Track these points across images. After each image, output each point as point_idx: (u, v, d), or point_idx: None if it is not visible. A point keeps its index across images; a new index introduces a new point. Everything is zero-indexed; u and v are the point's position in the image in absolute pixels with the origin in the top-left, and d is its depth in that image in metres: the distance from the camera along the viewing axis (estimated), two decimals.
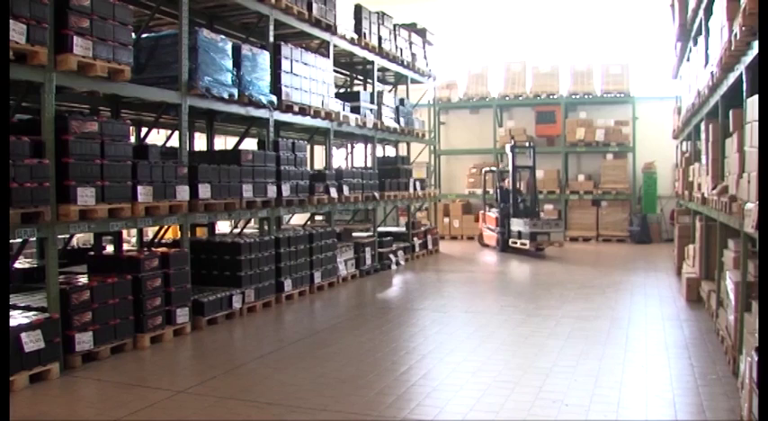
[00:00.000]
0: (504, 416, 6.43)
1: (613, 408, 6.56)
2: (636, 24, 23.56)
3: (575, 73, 24.34)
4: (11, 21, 7.19)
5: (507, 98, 25.15)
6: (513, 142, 20.58)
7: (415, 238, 19.31)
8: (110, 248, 11.43)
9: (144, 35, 10.69)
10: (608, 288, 13.58)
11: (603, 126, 23.67)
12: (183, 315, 9.75)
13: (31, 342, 7.39)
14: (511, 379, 7.66)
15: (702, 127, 10.60)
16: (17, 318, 7.66)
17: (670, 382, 7.37)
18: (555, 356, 8.47)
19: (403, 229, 19.87)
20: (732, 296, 7.57)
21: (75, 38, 8.05)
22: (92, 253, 10.70)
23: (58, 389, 7.47)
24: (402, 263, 17.59)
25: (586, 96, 24.22)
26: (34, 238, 8.89)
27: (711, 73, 8.82)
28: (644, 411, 6.57)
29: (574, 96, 24.34)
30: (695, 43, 11.50)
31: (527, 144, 21.33)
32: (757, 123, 5.53)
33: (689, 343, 9.11)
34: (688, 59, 13.11)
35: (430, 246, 20.25)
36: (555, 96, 24.45)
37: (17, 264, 9.98)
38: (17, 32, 7.28)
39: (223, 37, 11.12)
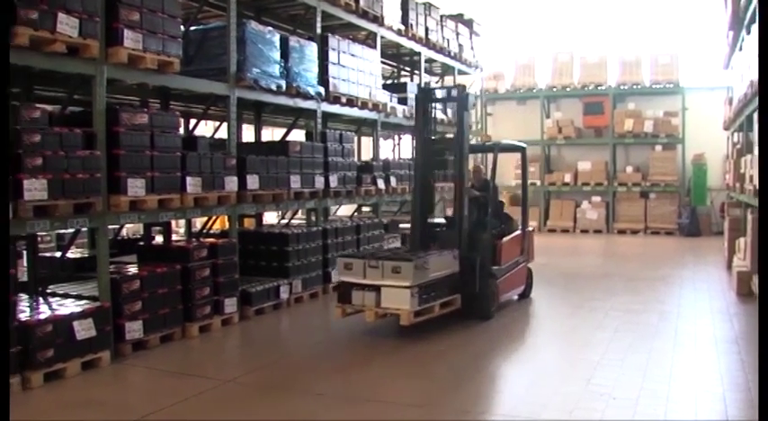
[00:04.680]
0: (552, 409, 6.41)
1: (662, 403, 6.50)
2: (686, 13, 23.17)
3: (623, 63, 24.01)
4: (64, 15, 7.31)
5: (554, 89, 24.91)
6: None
7: None
8: (159, 239, 11.54)
9: (192, 27, 10.78)
10: (656, 281, 13.44)
11: (652, 117, 23.34)
12: (230, 305, 9.84)
13: (83, 330, 7.51)
14: (558, 371, 7.64)
15: (755, 117, 10.43)
16: (69, 307, 7.81)
17: (720, 377, 7.28)
18: (602, 349, 8.41)
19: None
20: None
21: (125, 31, 8.14)
22: (141, 243, 10.83)
23: (108, 377, 7.60)
24: None
25: (635, 87, 23.89)
26: (86, 228, 9.07)
27: None
28: (693, 406, 6.50)
29: (622, 87, 24.02)
30: (748, 32, 11.29)
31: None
32: None
33: (739, 337, 8.97)
34: (740, 49, 12.87)
35: None
36: (603, 87, 24.15)
37: (69, 254, 10.12)
38: (70, 26, 7.38)
39: (271, 29, 11.18)
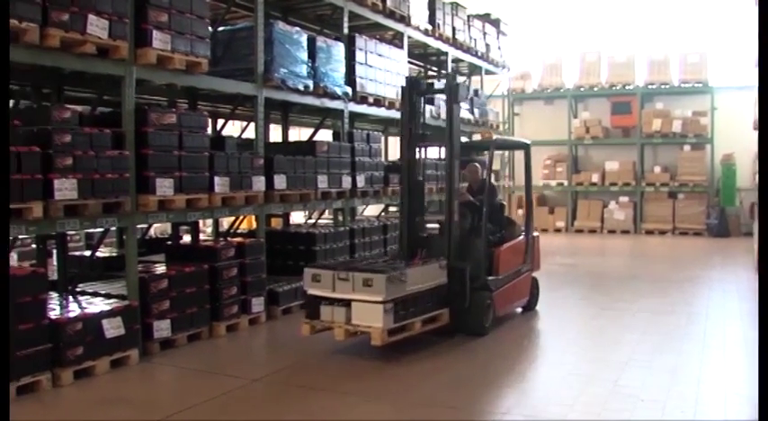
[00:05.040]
0: (579, 410, 6.39)
1: (691, 405, 6.46)
2: (715, 11, 23.01)
3: (651, 62, 23.86)
4: (94, 17, 7.39)
5: (582, 89, 24.80)
6: None
7: None
8: (187, 238, 11.61)
9: (220, 28, 10.84)
10: (685, 282, 13.35)
11: (681, 117, 23.18)
12: (258, 304, 9.88)
13: (112, 328, 7.58)
14: (585, 372, 7.61)
15: None
16: (98, 305, 7.88)
17: (749, 380, 7.22)
18: (630, 350, 8.37)
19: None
20: None
21: (154, 32, 8.21)
22: (169, 242, 10.91)
23: (137, 375, 7.67)
24: None
25: (663, 86, 23.73)
26: (115, 228, 9.15)
27: None
28: (723, 408, 6.46)
29: (650, 86, 23.87)
30: None
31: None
32: None
33: None
34: None
35: None
36: (631, 86, 24.01)
37: (98, 253, 10.20)
38: (99, 28, 7.45)
39: (298, 29, 11.21)
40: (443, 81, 9.88)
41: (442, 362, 8.02)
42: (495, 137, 11.46)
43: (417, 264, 8.62)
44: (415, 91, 9.76)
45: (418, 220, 9.76)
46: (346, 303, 7.99)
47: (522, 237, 10.49)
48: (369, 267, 8.33)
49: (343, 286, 8.04)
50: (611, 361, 7.97)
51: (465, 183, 10.59)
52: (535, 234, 11.12)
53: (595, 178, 24.09)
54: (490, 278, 9.44)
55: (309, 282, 8.34)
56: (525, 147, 11.38)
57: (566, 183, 24.57)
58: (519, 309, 10.51)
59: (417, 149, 9.88)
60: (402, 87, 10.05)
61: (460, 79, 20.43)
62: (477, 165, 10.88)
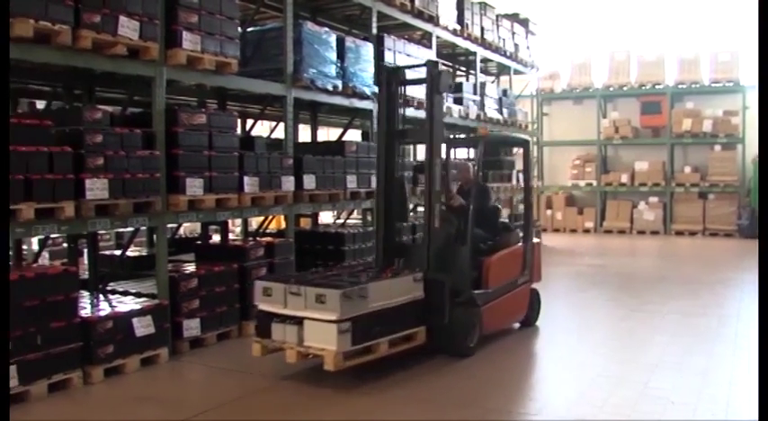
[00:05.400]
0: (608, 412, 6.36)
1: (722, 408, 6.41)
2: (747, 8, 22.75)
3: (681, 61, 23.69)
4: (125, 19, 7.46)
5: (611, 88, 24.68)
6: None
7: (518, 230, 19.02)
8: (216, 238, 11.67)
9: (250, 29, 10.89)
10: (716, 284, 13.24)
11: (711, 116, 22.99)
12: None
13: (142, 327, 7.64)
14: (615, 374, 7.57)
15: None
16: (129, 304, 7.95)
17: None
18: (660, 352, 8.32)
19: (505, 221, 19.66)
20: None
21: (184, 33, 8.27)
22: (199, 242, 10.97)
23: (167, 373, 7.74)
24: None
25: (693, 85, 23.55)
26: (145, 227, 9.22)
27: None
28: (755, 411, 6.40)
29: (680, 86, 23.70)
30: None
31: None
32: None
33: None
34: None
35: None
36: (660, 86, 23.86)
37: (128, 252, 10.28)
38: (130, 29, 7.52)
39: (327, 29, 11.24)
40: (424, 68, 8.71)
41: (419, 385, 7.23)
42: (489, 132, 10.74)
43: (386, 277, 7.67)
44: (393, 80, 8.82)
45: (399, 227, 9.06)
46: (299, 321, 7.05)
47: (519, 245, 9.52)
48: (323, 281, 7.32)
49: (294, 302, 7.11)
50: (641, 363, 7.92)
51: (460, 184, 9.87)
52: (536, 240, 10.27)
53: (625, 178, 23.96)
54: (477, 292, 8.50)
55: (260, 296, 7.45)
56: (524, 144, 10.47)
57: (594, 183, 24.48)
58: (516, 325, 9.63)
59: (399, 146, 9.07)
60: (379, 76, 9.15)
61: (488, 80, 20.43)
62: (469, 164, 10.25)
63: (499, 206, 10.27)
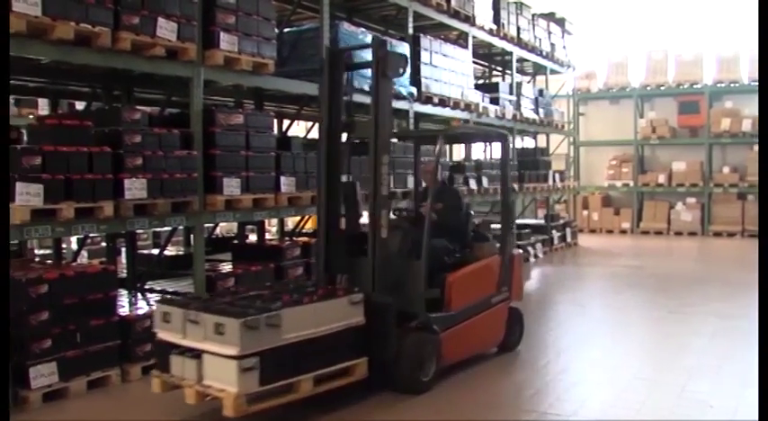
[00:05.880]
0: (645, 415, 6.32)
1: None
2: None
3: (720, 60, 23.37)
4: (164, 20, 7.53)
5: (648, 88, 24.43)
6: None
7: (554, 231, 19.04)
8: (252, 237, 11.74)
9: (286, 29, 10.92)
10: (755, 286, 13.03)
11: (751, 116, 22.65)
12: None
13: None
14: (651, 376, 7.51)
15: None
16: None
17: None
18: (698, 355, 8.24)
19: (541, 222, 19.63)
20: None
21: (221, 34, 8.31)
22: (235, 241, 11.03)
23: None
24: (540, 255, 17.39)
25: (732, 85, 23.23)
26: (182, 227, 9.29)
27: None
28: None
29: (719, 85, 23.40)
30: None
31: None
32: None
33: None
34: None
35: (568, 240, 19.94)
36: (699, 85, 23.56)
37: (166, 251, 10.36)
38: (169, 30, 7.59)
39: (363, 29, 11.26)
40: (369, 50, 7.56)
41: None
42: (461, 123, 10.13)
43: (310, 301, 6.21)
44: (337, 64, 7.54)
45: (346, 237, 7.59)
46: (197, 354, 5.76)
47: (494, 257, 8.13)
48: (226, 307, 5.93)
49: (194, 331, 5.81)
50: (679, 366, 7.85)
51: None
52: (517, 251, 9.06)
53: (662, 179, 23.73)
54: (437, 315, 7.20)
55: (159, 322, 6.19)
56: (500, 139, 8.80)
57: (631, 183, 24.26)
58: (493, 350, 8.27)
59: (345, 140, 7.98)
60: (321, 62, 8.02)
61: (524, 79, 20.34)
62: (432, 162, 8.49)
63: (471, 212, 8.91)
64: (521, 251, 9.13)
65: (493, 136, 9.75)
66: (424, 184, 8.73)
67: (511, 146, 8.93)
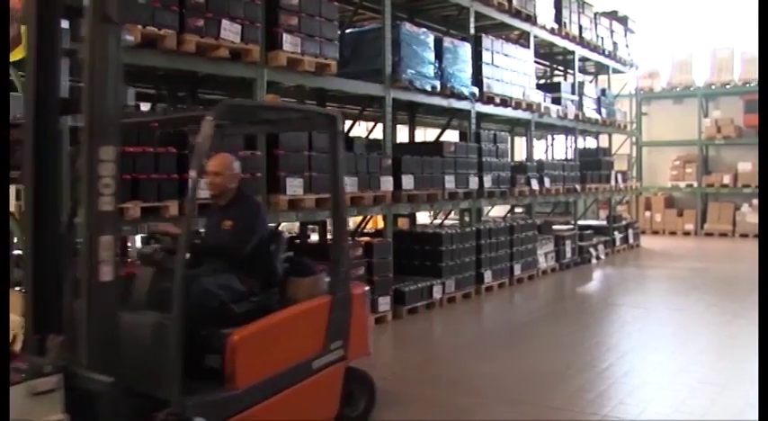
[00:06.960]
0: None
1: None
2: None
3: None
4: (228, 22, 7.61)
5: (713, 86, 23.98)
6: None
7: (616, 232, 18.79)
8: (314, 237, 11.80)
9: (348, 30, 10.98)
10: None
11: None
12: (384, 303, 9.93)
13: None
14: (717, 381, 7.32)
15: None
16: None
17: None
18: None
19: (603, 223, 19.39)
20: None
21: (284, 35, 8.36)
22: (297, 241, 11.09)
23: None
24: (602, 257, 17.18)
25: None
26: None
27: None
28: None
29: None
30: None
31: None
32: None
33: None
34: None
35: (631, 241, 19.67)
36: None
37: None
38: (232, 32, 7.67)
39: (425, 30, 11.26)
40: None
41: None
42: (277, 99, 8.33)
43: None
44: (48, 11, 4.61)
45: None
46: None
47: (319, 299, 5.54)
48: None
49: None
50: (745, 371, 7.62)
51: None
52: (363, 288, 6.23)
53: (727, 180, 23.29)
54: (209, 397, 4.55)
55: None
56: (327, 124, 6.04)
57: (695, 184, 23.86)
58: None
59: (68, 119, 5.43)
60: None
61: (586, 79, 20.15)
62: (230, 158, 5.87)
63: (281, 231, 7.20)
64: (365, 286, 6.33)
65: (312, 119, 6.51)
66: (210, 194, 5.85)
67: (340, 133, 5.90)
